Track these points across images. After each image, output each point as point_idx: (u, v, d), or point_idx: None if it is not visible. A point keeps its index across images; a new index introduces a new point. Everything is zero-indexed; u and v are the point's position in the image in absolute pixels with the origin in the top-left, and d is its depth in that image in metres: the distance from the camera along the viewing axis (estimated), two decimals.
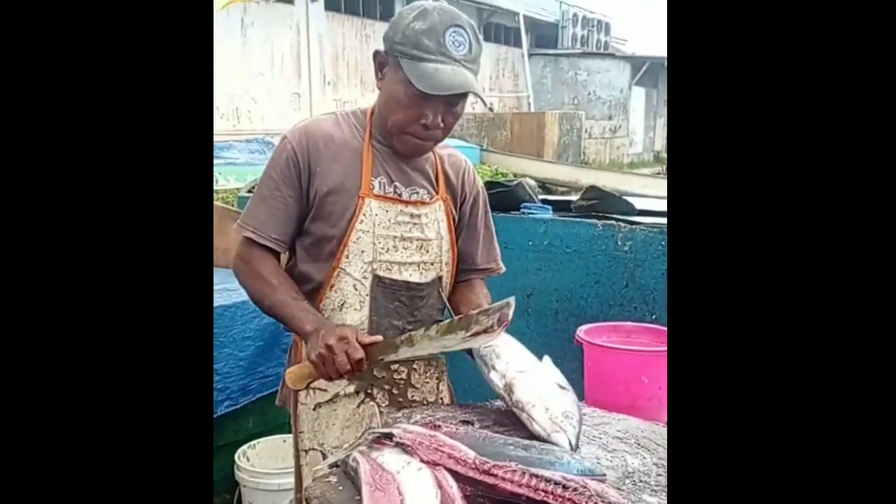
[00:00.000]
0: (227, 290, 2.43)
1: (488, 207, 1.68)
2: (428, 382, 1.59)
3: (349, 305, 1.48)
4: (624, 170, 13.87)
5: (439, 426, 1.16)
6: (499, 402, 1.39)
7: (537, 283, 2.36)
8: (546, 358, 1.34)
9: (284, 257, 1.53)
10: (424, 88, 1.33)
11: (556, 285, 2.34)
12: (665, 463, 1.12)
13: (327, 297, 1.48)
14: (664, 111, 18.82)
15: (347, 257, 1.46)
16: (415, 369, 1.56)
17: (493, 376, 1.31)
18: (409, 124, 1.40)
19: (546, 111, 14.30)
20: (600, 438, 1.23)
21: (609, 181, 8.90)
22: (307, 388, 1.47)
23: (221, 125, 10.06)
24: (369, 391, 1.52)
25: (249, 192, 3.78)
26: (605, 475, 1.04)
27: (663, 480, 1.07)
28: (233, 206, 3.80)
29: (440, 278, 1.56)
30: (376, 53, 1.44)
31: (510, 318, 1.27)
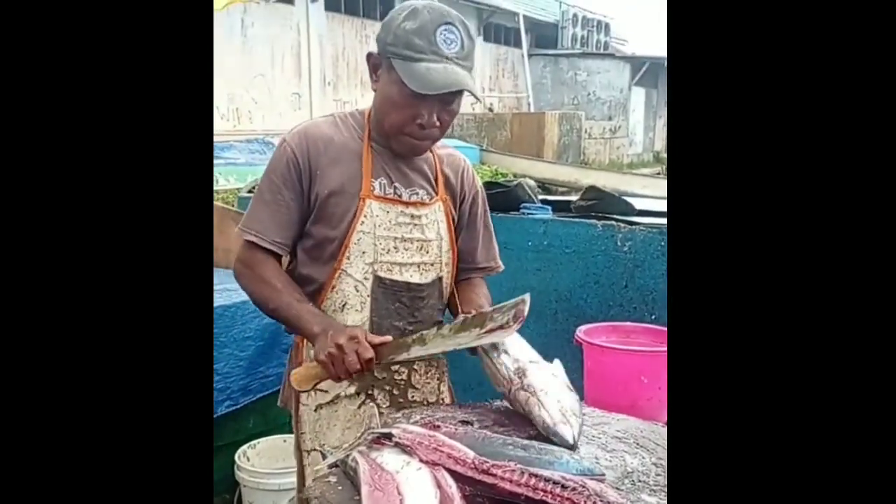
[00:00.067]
0: (227, 290, 2.43)
1: (487, 206, 1.68)
2: (429, 383, 1.59)
3: (350, 306, 1.48)
4: (623, 170, 13.85)
5: (439, 426, 1.17)
6: (498, 402, 1.39)
7: (537, 284, 2.36)
8: (556, 361, 1.35)
9: (285, 260, 1.54)
10: (417, 88, 1.33)
11: (555, 285, 2.34)
12: (664, 463, 1.13)
13: (328, 299, 1.48)
14: (664, 111, 18.82)
15: (348, 258, 1.46)
16: (415, 370, 1.56)
17: (505, 359, 1.31)
18: (405, 125, 1.40)
19: (546, 111, 14.29)
20: (599, 438, 1.23)
21: (609, 181, 8.89)
22: (312, 389, 1.47)
23: (222, 125, 10.06)
24: (370, 392, 1.52)
25: (250, 192, 3.78)
26: (604, 475, 1.04)
27: (662, 480, 1.07)
28: (233, 206, 3.80)
29: (440, 279, 1.56)
30: (370, 55, 1.44)
31: (525, 314, 1.28)
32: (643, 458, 1.16)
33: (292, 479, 2.40)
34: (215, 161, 6.77)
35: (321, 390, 1.50)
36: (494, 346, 1.34)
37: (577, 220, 2.34)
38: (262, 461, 2.58)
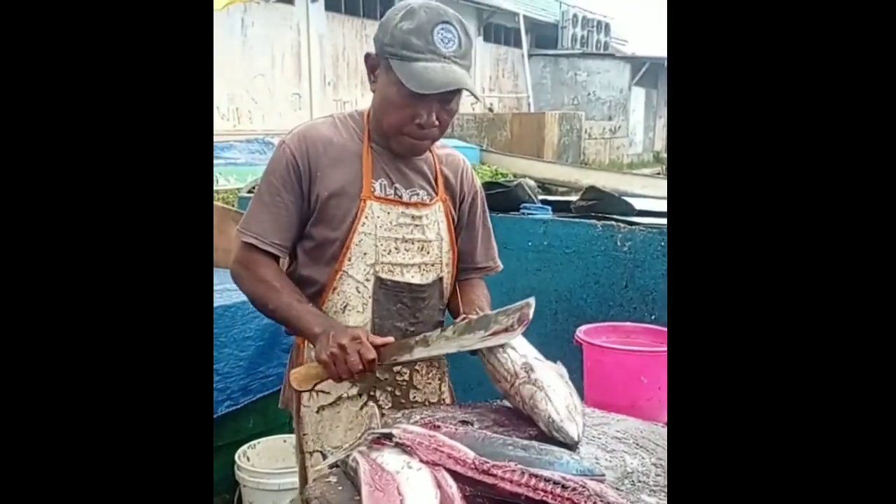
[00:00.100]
0: (227, 290, 2.43)
1: (486, 206, 1.68)
2: (430, 383, 1.59)
3: (352, 308, 1.48)
4: (623, 170, 13.84)
5: (439, 426, 1.16)
6: (498, 402, 1.39)
7: (537, 284, 2.36)
8: (559, 363, 1.35)
9: (283, 262, 1.53)
10: (416, 88, 1.33)
11: (555, 286, 2.34)
12: (664, 463, 1.13)
13: (329, 300, 1.48)
14: (664, 111, 18.81)
15: (350, 260, 1.46)
16: (417, 370, 1.56)
17: (511, 354, 1.31)
18: (404, 125, 1.40)
19: (546, 111, 14.29)
20: (599, 438, 1.23)
21: (609, 181, 8.89)
22: (312, 389, 1.47)
23: (222, 125, 10.06)
24: (372, 393, 1.52)
25: (250, 192, 3.78)
26: (604, 475, 1.04)
27: (662, 481, 1.07)
28: (233, 206, 3.81)
29: (441, 279, 1.56)
30: (367, 56, 1.44)
31: (530, 317, 1.28)
32: (643, 458, 1.16)
33: (292, 479, 2.41)
34: (215, 161, 6.77)
35: (323, 391, 1.49)
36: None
37: (577, 220, 2.34)
38: (262, 461, 2.59)
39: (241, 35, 10.81)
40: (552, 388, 1.21)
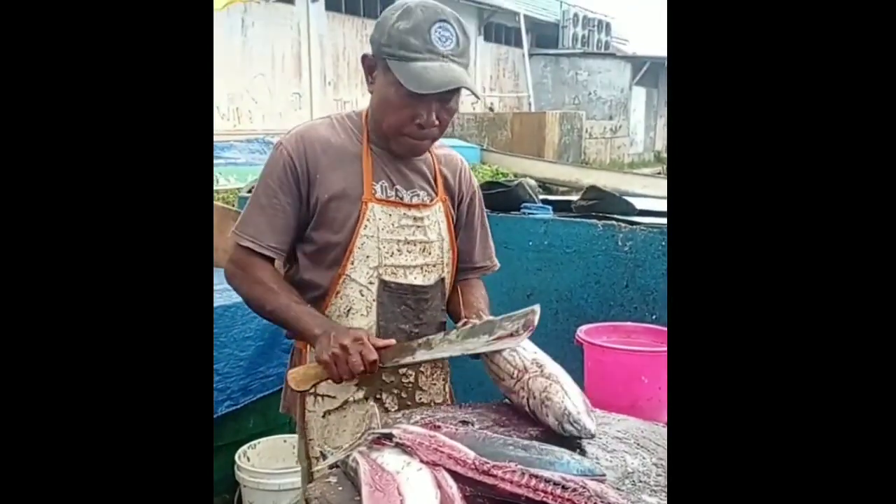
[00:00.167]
0: (227, 290, 2.41)
1: (483, 205, 1.68)
2: (435, 384, 1.58)
3: (355, 311, 1.47)
4: (624, 170, 13.84)
5: (439, 426, 1.16)
6: (498, 402, 1.39)
7: (537, 283, 2.36)
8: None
9: (278, 264, 1.52)
10: (415, 89, 1.32)
11: (556, 285, 2.34)
12: (664, 463, 1.12)
13: (333, 304, 1.47)
14: (665, 111, 18.81)
15: (353, 263, 1.44)
16: (422, 372, 1.56)
17: (519, 350, 1.31)
18: (404, 125, 1.39)
19: (547, 111, 14.29)
20: (600, 438, 1.23)
21: (609, 181, 8.88)
22: (312, 390, 1.45)
23: (222, 125, 10.06)
24: (378, 396, 1.51)
25: (250, 191, 3.77)
26: (604, 475, 1.04)
27: (663, 481, 1.07)
28: (233, 206, 3.80)
29: (443, 280, 1.56)
30: (364, 57, 1.43)
31: (535, 324, 1.28)
32: (644, 458, 1.16)
33: (292, 480, 2.42)
34: (215, 161, 6.77)
35: (328, 396, 1.49)
36: None
37: (577, 219, 2.33)
38: (262, 461, 2.59)
39: (241, 35, 10.82)
40: (567, 382, 1.22)
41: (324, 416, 1.50)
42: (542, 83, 17.88)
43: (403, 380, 1.53)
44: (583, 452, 1.15)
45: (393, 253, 1.47)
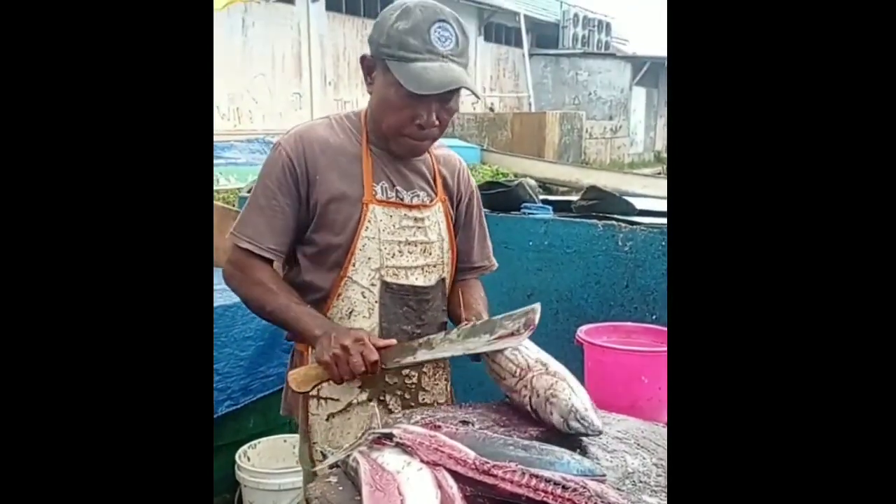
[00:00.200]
0: (227, 289, 2.42)
1: (481, 205, 1.68)
2: (437, 384, 1.58)
3: (357, 313, 1.46)
4: (624, 170, 13.84)
5: (439, 426, 1.16)
6: (498, 402, 1.39)
7: (537, 284, 2.36)
8: None
9: (277, 266, 1.51)
10: (416, 90, 1.31)
11: (556, 285, 2.34)
12: (665, 463, 1.12)
13: (335, 307, 1.46)
14: (665, 111, 18.81)
15: (354, 265, 1.44)
16: (424, 372, 1.55)
17: (522, 349, 1.32)
18: (404, 126, 1.39)
19: (547, 111, 14.29)
20: (600, 439, 1.23)
21: (610, 181, 8.88)
22: (314, 393, 1.45)
23: (222, 125, 10.06)
24: (382, 398, 1.50)
25: (250, 192, 3.77)
26: (604, 475, 1.04)
27: (663, 481, 1.07)
28: (234, 206, 3.81)
29: (443, 280, 1.56)
30: (363, 58, 1.42)
31: (536, 323, 1.28)
32: (644, 458, 1.16)
33: (292, 479, 2.42)
34: (216, 161, 6.77)
35: (332, 399, 1.48)
36: None
37: (577, 219, 2.33)
38: (262, 461, 2.59)
39: (241, 35, 10.82)
40: (573, 381, 1.22)
41: (327, 419, 1.49)
42: (542, 83, 17.88)
43: (406, 381, 1.53)
44: (583, 452, 1.15)
45: (394, 254, 1.46)
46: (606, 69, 17.85)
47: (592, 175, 10.32)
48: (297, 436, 1.59)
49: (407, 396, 1.53)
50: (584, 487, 0.92)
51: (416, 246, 1.49)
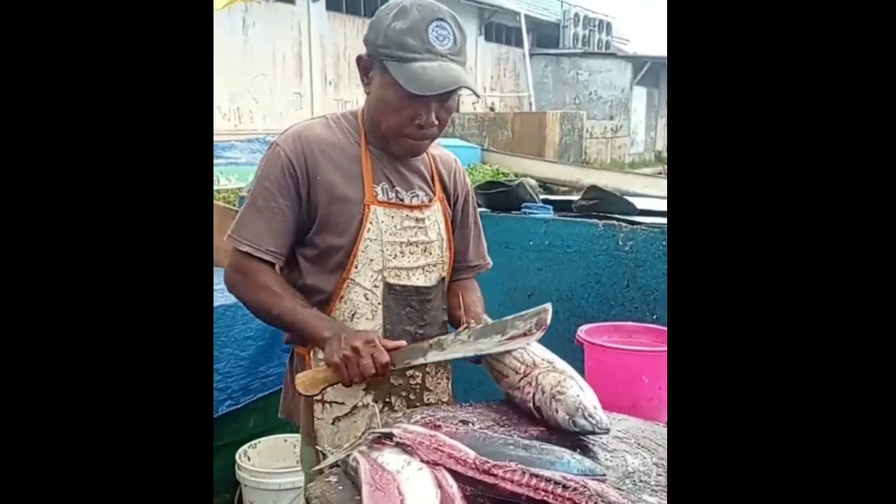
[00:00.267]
0: None
1: (476, 204, 1.68)
2: (440, 383, 1.58)
3: (360, 315, 1.45)
4: (625, 169, 13.84)
5: (439, 426, 1.16)
6: (498, 402, 1.39)
7: (538, 283, 2.36)
8: None
9: (276, 268, 1.49)
10: (416, 90, 1.30)
11: (556, 285, 2.34)
12: (665, 463, 1.12)
13: (337, 309, 1.45)
14: (665, 111, 18.78)
15: (356, 267, 1.43)
16: (428, 372, 1.55)
17: (534, 348, 1.32)
18: (403, 126, 1.38)
19: (547, 111, 14.28)
20: (600, 438, 1.23)
21: (610, 181, 8.88)
22: (319, 397, 1.44)
23: (223, 125, 10.07)
24: (387, 399, 1.50)
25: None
26: (605, 475, 1.04)
27: (663, 480, 1.07)
28: (234, 205, 3.81)
29: (443, 279, 1.56)
30: (359, 59, 1.40)
31: (548, 322, 1.29)
32: (644, 458, 1.16)
33: (292, 479, 2.42)
34: (216, 161, 6.78)
35: (337, 402, 1.47)
36: None
37: (578, 219, 2.33)
38: (262, 461, 2.59)
39: (241, 35, 10.82)
40: (580, 378, 1.23)
41: (333, 423, 1.48)
42: (542, 83, 17.88)
43: (411, 381, 1.52)
44: (584, 452, 1.15)
45: (396, 255, 1.46)
46: (607, 69, 17.84)
47: (593, 175, 10.32)
48: (297, 435, 1.58)
49: (412, 397, 1.52)
50: (585, 487, 0.92)
51: (417, 246, 1.49)
